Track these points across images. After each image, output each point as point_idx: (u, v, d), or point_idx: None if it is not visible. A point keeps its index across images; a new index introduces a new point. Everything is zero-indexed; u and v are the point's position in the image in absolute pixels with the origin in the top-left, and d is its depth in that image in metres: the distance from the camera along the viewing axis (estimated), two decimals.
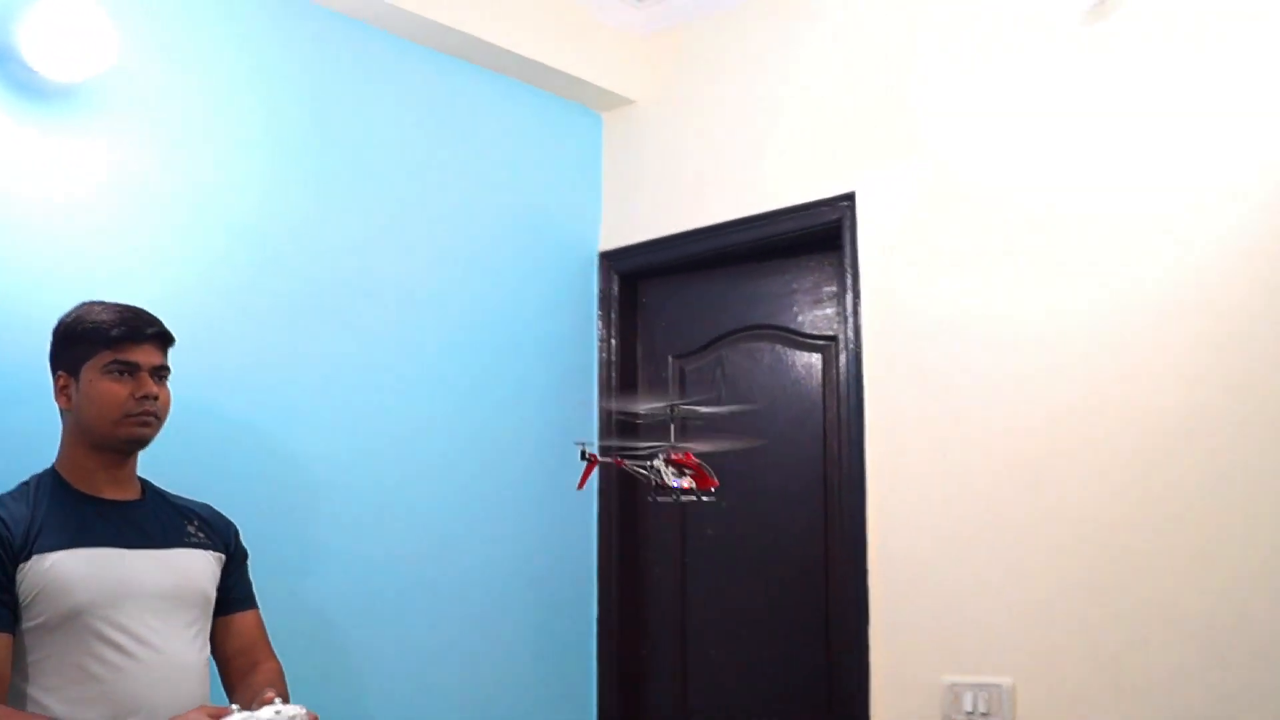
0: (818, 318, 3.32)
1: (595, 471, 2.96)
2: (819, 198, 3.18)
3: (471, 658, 3.12)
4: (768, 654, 3.27)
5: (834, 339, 3.27)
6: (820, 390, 3.28)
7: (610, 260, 3.64)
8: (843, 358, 3.13)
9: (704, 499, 2.28)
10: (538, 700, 3.29)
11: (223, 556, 2.20)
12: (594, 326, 3.61)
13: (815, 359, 3.32)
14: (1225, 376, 2.46)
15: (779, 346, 3.39)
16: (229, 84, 2.77)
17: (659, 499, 2.29)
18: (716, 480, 2.24)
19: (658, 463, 2.23)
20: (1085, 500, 2.61)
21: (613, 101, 3.64)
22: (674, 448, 2.26)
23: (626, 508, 3.52)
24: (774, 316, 3.40)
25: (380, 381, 3.00)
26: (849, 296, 3.08)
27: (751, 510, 3.32)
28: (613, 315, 3.61)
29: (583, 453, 2.22)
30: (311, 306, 2.88)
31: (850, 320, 3.07)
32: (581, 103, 3.65)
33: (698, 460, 2.23)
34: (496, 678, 3.19)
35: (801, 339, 3.35)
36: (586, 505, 3.49)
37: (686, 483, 2.24)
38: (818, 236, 3.21)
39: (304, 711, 1.86)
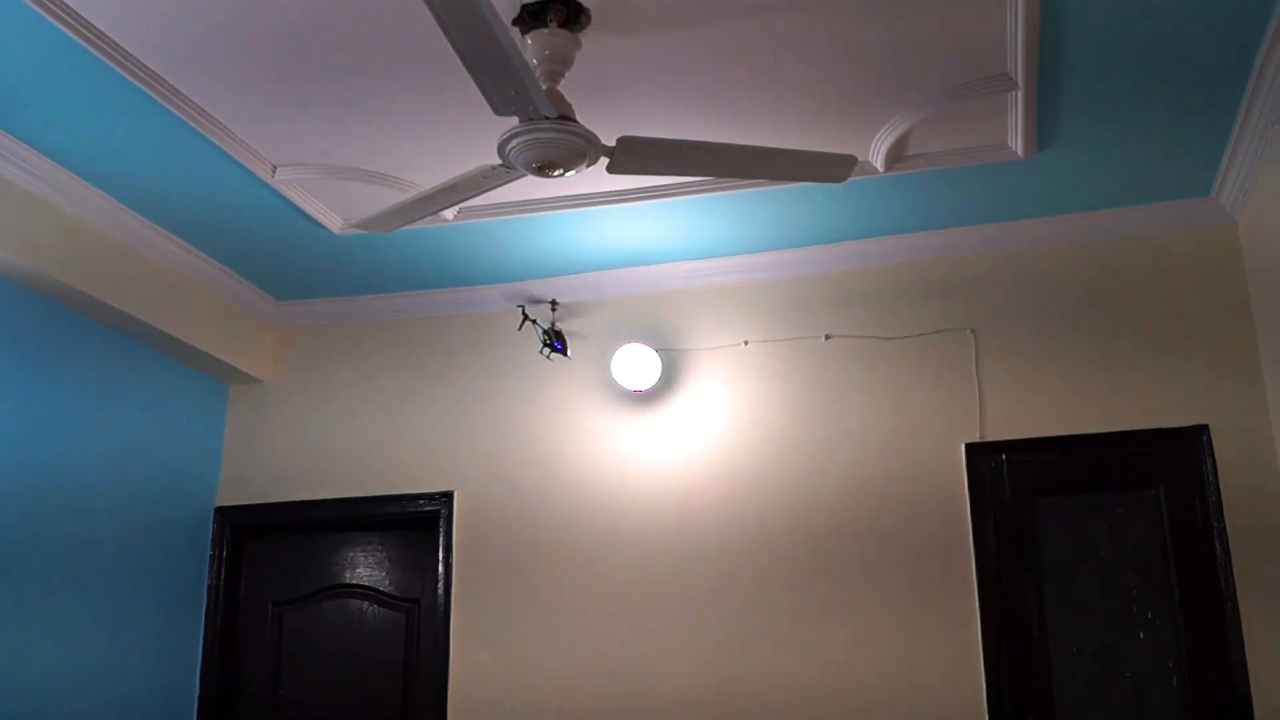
0: (404, 581, 4.12)
1: None
2: (423, 491, 4.04)
3: None
4: None
5: (418, 601, 4.08)
6: (403, 647, 4.07)
7: (224, 515, 4.20)
8: (426, 618, 3.96)
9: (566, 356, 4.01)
10: None
11: None
12: (205, 573, 4.13)
13: (401, 619, 4.09)
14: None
15: (371, 605, 4.13)
16: None
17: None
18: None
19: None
20: None
21: (240, 378, 4.26)
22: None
23: None
24: (366, 579, 4.16)
25: (39, 616, 3.42)
26: (441, 568, 3.96)
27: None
28: (221, 564, 4.15)
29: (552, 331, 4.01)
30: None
31: (443, 586, 3.93)
32: (213, 376, 4.22)
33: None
34: None
35: (390, 599, 4.12)
36: None
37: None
38: (417, 519, 4.06)
39: None
